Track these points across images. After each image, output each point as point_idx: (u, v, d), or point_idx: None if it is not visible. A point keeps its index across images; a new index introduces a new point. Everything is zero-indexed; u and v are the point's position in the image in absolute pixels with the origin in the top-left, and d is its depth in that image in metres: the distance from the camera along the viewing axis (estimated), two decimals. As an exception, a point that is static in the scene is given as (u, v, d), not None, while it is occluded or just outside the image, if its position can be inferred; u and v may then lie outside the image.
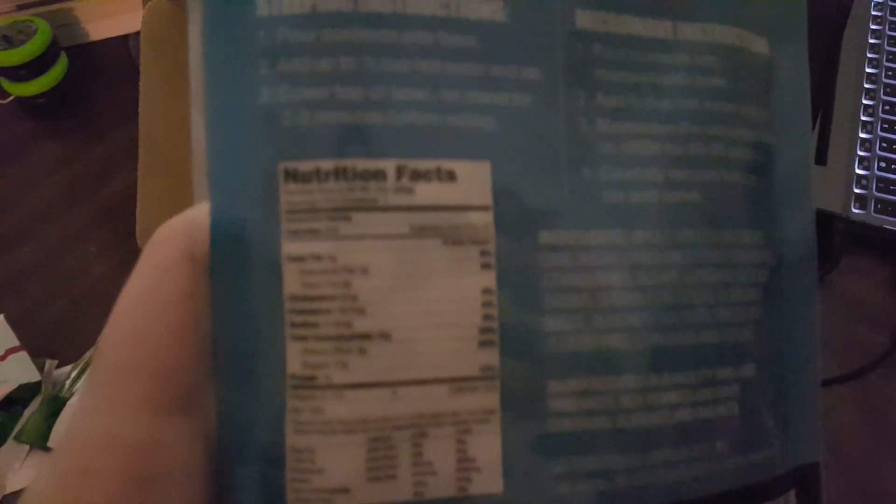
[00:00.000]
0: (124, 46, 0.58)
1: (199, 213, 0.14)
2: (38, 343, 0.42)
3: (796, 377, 0.18)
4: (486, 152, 0.15)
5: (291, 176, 0.14)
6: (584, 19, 0.16)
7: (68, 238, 0.47)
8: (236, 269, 0.14)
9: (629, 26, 0.16)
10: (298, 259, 0.14)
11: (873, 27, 0.51)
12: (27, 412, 0.40)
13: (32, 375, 0.41)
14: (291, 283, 0.14)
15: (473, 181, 0.15)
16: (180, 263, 0.14)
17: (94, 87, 0.56)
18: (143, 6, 0.41)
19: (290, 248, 0.14)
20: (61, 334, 0.43)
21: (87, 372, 0.41)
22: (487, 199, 0.15)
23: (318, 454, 0.14)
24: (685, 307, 0.16)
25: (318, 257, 0.14)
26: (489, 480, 0.15)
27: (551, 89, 0.16)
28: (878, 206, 0.44)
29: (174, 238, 0.14)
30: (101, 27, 0.58)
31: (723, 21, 0.17)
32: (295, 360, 0.14)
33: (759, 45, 0.18)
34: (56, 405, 0.40)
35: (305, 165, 0.14)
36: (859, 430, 0.39)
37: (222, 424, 0.14)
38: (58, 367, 0.42)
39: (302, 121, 0.14)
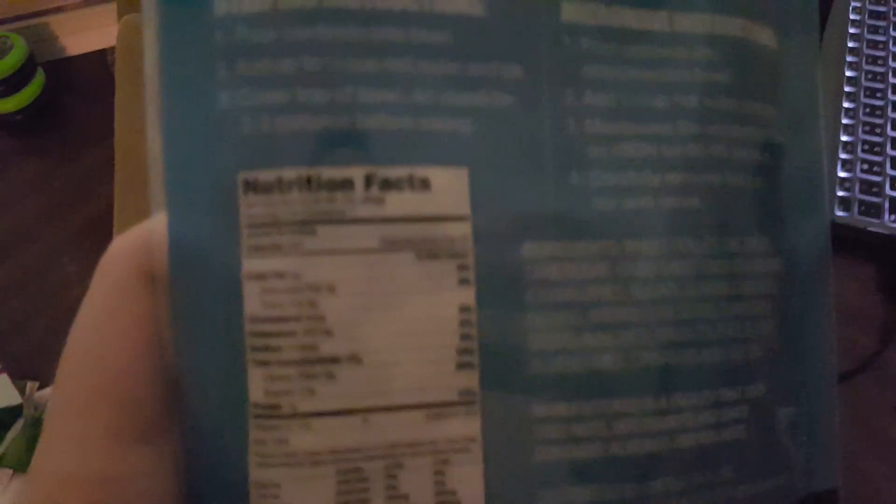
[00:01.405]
0: (102, 61, 0.57)
1: (156, 227, 0.14)
2: (18, 365, 0.41)
3: (810, 396, 0.17)
4: (463, 158, 0.14)
5: (252, 186, 0.13)
6: (571, 11, 0.15)
7: (47, 257, 0.47)
8: (195, 289, 0.13)
9: (621, 18, 0.15)
10: (259, 277, 0.13)
11: (851, 31, 0.52)
12: (9, 436, 0.39)
13: (13, 398, 0.40)
14: (252, 302, 0.13)
15: (449, 189, 0.14)
16: (137, 282, 0.13)
17: (72, 102, 0.56)
18: (118, 21, 0.40)
19: (250, 264, 0.13)
20: (42, 355, 0.42)
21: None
22: (465, 209, 0.14)
23: (284, 488, 0.13)
24: (686, 323, 0.15)
25: (280, 274, 0.13)
26: None
27: (534, 88, 0.15)
28: (862, 208, 0.44)
29: (130, 255, 0.14)
30: (78, 42, 0.57)
31: (724, 11, 0.16)
32: (257, 386, 0.13)
33: (765, 37, 0.17)
34: (38, 429, 0.39)
35: (266, 175, 0.14)
36: (845, 432, 0.39)
37: (186, 456, 0.14)
38: (39, 388, 0.41)
39: (263, 127, 0.14)
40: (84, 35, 0.57)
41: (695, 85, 0.16)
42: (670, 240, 0.15)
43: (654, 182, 0.15)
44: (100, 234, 0.46)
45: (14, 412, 0.40)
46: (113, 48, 0.55)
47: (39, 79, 0.54)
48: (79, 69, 0.58)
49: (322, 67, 0.14)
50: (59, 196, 0.51)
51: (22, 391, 0.41)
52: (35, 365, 0.42)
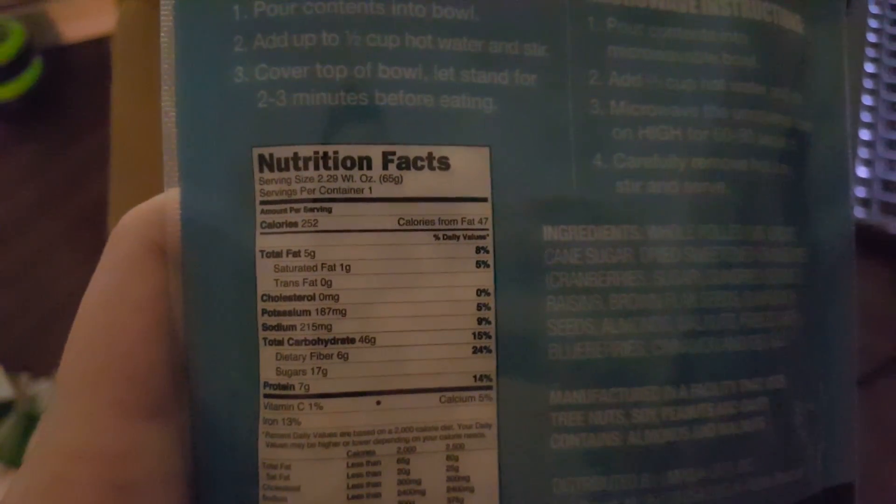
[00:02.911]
0: (99, 48, 0.57)
1: (168, 201, 0.13)
2: (12, 356, 0.41)
3: (830, 389, 0.17)
4: (484, 137, 0.14)
5: (267, 162, 0.13)
6: None
7: (42, 248, 0.47)
8: (207, 265, 0.13)
9: None
10: (273, 254, 0.13)
11: (872, 24, 0.51)
12: (1, 430, 0.39)
13: (5, 391, 0.40)
14: (265, 280, 0.13)
15: (469, 169, 0.14)
16: (148, 257, 0.13)
17: (70, 90, 0.56)
18: (118, 7, 0.40)
19: (264, 242, 0.13)
20: (36, 347, 0.42)
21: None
22: (485, 190, 0.14)
23: (294, 470, 0.13)
24: (708, 311, 0.15)
25: (295, 252, 0.13)
26: (484, 501, 0.14)
27: (558, 68, 0.14)
28: (882, 207, 0.43)
29: (141, 229, 0.14)
30: (76, 28, 0.57)
31: None
32: (268, 366, 0.13)
33: (792, 22, 0.16)
34: (30, 422, 0.39)
35: (282, 151, 0.13)
36: (862, 437, 0.38)
37: (195, 434, 0.13)
38: (32, 378, 0.41)
39: (279, 102, 0.13)
40: (82, 21, 0.57)
41: (721, 68, 0.15)
42: (694, 225, 0.15)
43: (680, 166, 0.15)
44: (95, 224, 0.46)
45: (6, 406, 0.40)
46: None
47: (37, 66, 0.54)
48: (77, 56, 0.58)
49: (341, 43, 0.14)
50: (55, 185, 0.51)
51: (15, 385, 0.41)
52: (29, 357, 0.43)
